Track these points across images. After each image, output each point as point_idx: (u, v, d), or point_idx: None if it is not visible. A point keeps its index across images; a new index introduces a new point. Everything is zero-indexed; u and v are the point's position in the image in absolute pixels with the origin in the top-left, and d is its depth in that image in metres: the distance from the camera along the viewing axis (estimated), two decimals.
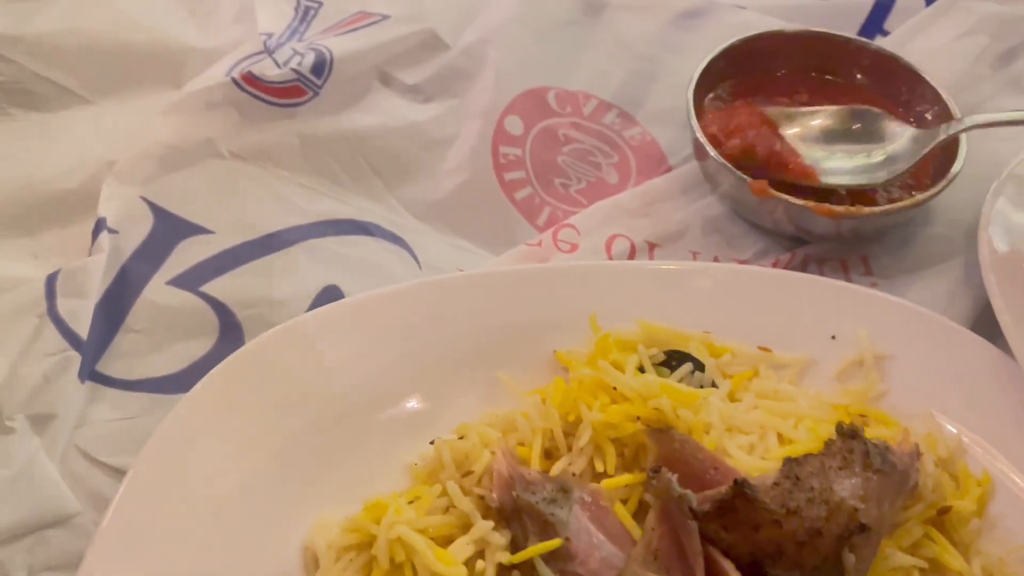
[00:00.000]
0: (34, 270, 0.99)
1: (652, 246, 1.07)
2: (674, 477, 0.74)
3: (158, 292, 0.98)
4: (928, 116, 1.12)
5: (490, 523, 0.74)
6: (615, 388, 0.84)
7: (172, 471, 0.81)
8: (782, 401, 0.88)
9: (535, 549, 0.71)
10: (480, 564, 0.72)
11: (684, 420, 0.80)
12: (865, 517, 0.73)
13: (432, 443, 0.84)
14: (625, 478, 0.79)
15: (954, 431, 0.88)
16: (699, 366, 0.89)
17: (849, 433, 0.79)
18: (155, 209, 1.04)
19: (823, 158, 1.05)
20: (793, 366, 0.93)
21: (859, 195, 1.04)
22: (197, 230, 1.04)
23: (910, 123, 1.09)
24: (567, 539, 0.72)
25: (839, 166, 1.05)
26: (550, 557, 0.72)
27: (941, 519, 0.81)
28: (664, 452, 0.78)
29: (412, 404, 0.90)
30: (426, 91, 1.16)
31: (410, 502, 0.79)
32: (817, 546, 0.71)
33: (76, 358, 0.91)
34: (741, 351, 0.93)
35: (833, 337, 0.94)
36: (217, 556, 0.78)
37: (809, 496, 0.72)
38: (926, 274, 1.04)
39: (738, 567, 0.71)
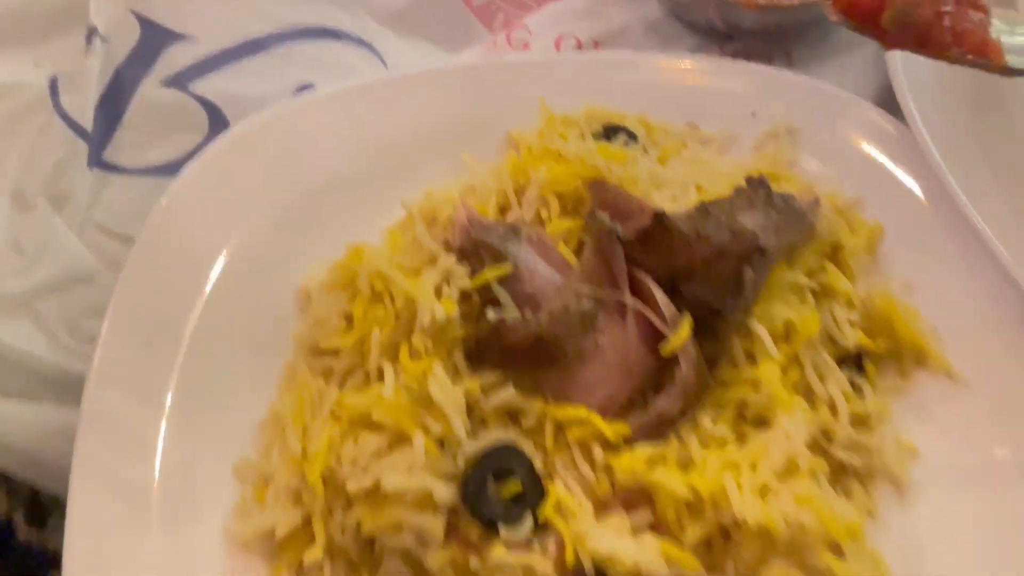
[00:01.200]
0: (36, 76, 1.09)
1: (596, 44, 1.19)
2: (606, 215, 0.88)
3: (151, 92, 1.09)
4: None
5: (452, 257, 0.88)
6: (559, 153, 0.97)
7: (176, 235, 0.94)
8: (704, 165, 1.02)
9: (489, 273, 0.86)
10: (446, 290, 0.86)
11: (616, 174, 0.94)
12: (763, 243, 0.87)
13: (404, 205, 0.98)
14: (567, 222, 0.93)
15: (854, 190, 1.02)
16: (632, 136, 1.02)
17: (757, 181, 0.93)
18: (141, 19, 1.14)
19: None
20: (717, 140, 1.07)
21: None
22: (181, 38, 1.14)
23: None
24: (516, 266, 0.87)
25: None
26: (502, 280, 0.86)
27: (835, 256, 0.96)
28: (599, 200, 0.92)
29: (385, 184, 1.03)
30: None
31: None
32: (722, 264, 0.85)
33: (83, 148, 1.03)
34: (671, 128, 1.06)
35: (753, 114, 1.07)
36: (223, 298, 0.92)
37: (717, 225, 0.86)
38: (841, 59, 1.17)
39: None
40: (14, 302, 0.94)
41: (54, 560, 0.86)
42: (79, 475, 0.79)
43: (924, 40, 0.74)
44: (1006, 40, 0.72)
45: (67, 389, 0.90)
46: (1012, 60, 0.72)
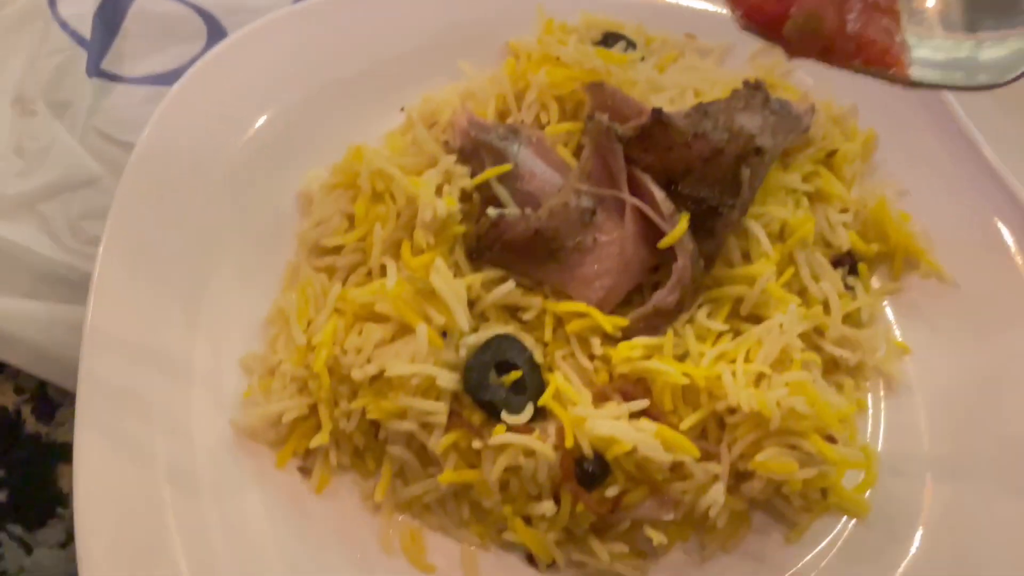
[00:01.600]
0: None
1: None
2: (605, 117, 0.89)
3: (148, 1, 1.09)
4: None
5: (452, 157, 0.89)
6: (558, 58, 0.97)
7: (177, 139, 0.94)
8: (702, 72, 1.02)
9: (490, 172, 0.87)
10: (447, 189, 0.87)
11: (615, 77, 0.94)
12: (760, 142, 0.88)
13: (402, 110, 0.98)
14: (566, 125, 0.93)
15: (851, 101, 1.03)
16: (631, 44, 1.03)
17: (754, 85, 0.93)
18: None
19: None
20: (715, 50, 1.07)
21: None
22: None
23: None
24: (515, 165, 0.88)
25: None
26: (502, 179, 0.87)
27: (830, 161, 0.98)
28: (598, 102, 0.93)
29: (384, 89, 1.03)
30: None
31: None
32: (719, 163, 0.86)
33: (82, 55, 1.03)
34: (670, 38, 1.07)
35: None
36: (225, 204, 0.93)
37: (714, 125, 0.87)
38: None
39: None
40: (17, 203, 0.94)
41: (62, 451, 0.88)
42: (85, 382, 0.80)
43: (828, 50, 0.69)
44: (915, 53, 0.67)
45: (71, 287, 0.91)
46: (916, 73, 0.67)
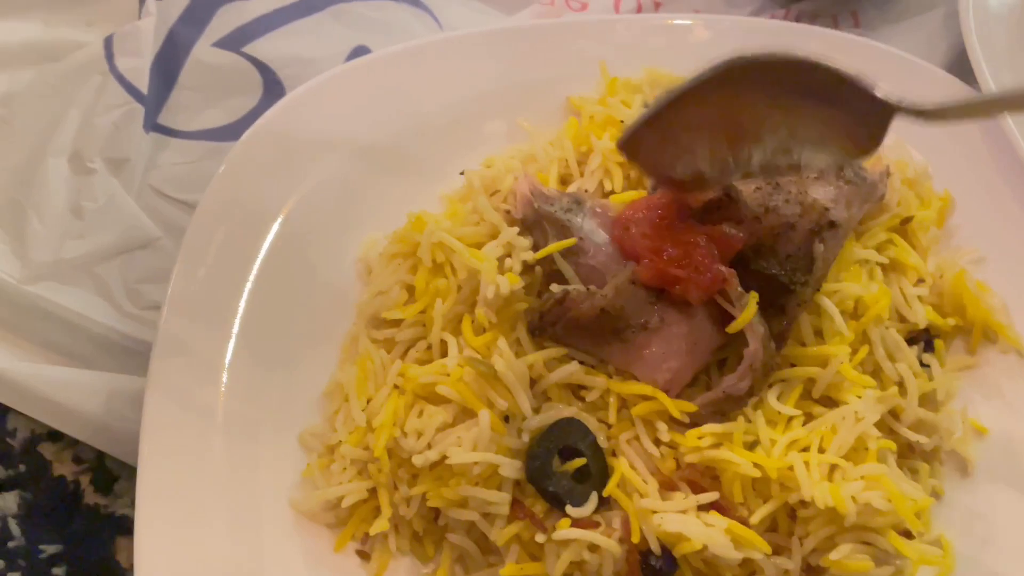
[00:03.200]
0: (91, 35, 1.08)
1: (657, 5, 1.15)
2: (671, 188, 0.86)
3: (205, 53, 1.08)
4: None
5: (515, 229, 0.86)
6: (622, 121, 0.95)
7: (234, 203, 0.93)
8: None
9: (554, 247, 0.84)
10: (508, 262, 0.85)
11: None
12: (834, 216, 0.85)
13: (462, 174, 0.96)
14: (630, 193, 0.91)
15: (922, 158, 0.99)
16: None
17: None
18: None
19: None
20: None
21: None
22: None
23: None
24: (580, 238, 0.85)
25: None
26: (566, 253, 0.84)
27: (904, 228, 0.94)
28: None
29: (442, 148, 1.01)
30: None
31: None
32: (791, 238, 0.83)
33: (139, 110, 1.02)
34: None
35: None
36: (285, 268, 0.91)
37: (786, 198, 0.84)
38: (909, 24, 1.13)
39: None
40: (75, 266, 0.94)
41: (121, 524, 0.88)
42: (147, 443, 0.80)
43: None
44: None
45: (131, 356, 0.91)
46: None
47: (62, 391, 0.87)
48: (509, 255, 0.86)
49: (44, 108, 1.01)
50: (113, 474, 0.90)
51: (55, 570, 0.85)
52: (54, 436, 0.91)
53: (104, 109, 1.02)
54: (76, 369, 0.89)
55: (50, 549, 0.86)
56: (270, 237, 0.93)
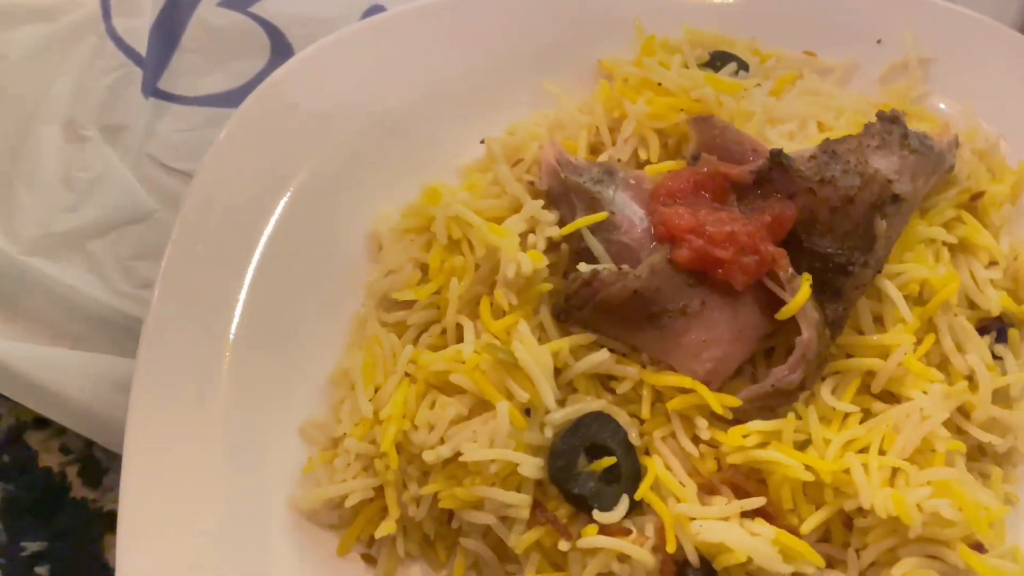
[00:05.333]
0: None
1: None
2: (713, 159, 0.78)
3: (210, 13, 1.01)
4: None
5: (540, 202, 0.78)
6: (659, 84, 0.86)
7: (236, 173, 0.86)
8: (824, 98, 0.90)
9: (583, 221, 0.76)
10: (532, 238, 0.77)
11: (726, 108, 0.83)
12: (898, 189, 0.76)
13: (482, 142, 0.88)
14: (668, 164, 0.82)
15: (994, 128, 0.90)
16: (743, 66, 0.90)
17: (889, 118, 0.81)
18: None
19: None
20: (837, 70, 0.94)
21: None
22: None
23: None
24: (612, 212, 0.77)
25: None
26: (596, 228, 0.76)
27: (974, 204, 0.84)
28: (705, 139, 0.81)
29: (461, 114, 0.93)
30: None
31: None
32: (849, 213, 0.74)
33: (138, 73, 0.95)
34: (786, 55, 0.94)
35: (879, 41, 0.95)
36: (288, 246, 0.84)
37: (844, 168, 0.75)
38: None
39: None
40: (65, 241, 0.88)
41: (109, 520, 0.81)
42: (133, 433, 0.73)
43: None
44: None
45: (121, 332, 0.84)
46: None
47: (48, 373, 0.81)
48: (532, 231, 0.78)
49: (35, 71, 0.95)
50: (102, 466, 0.83)
51: (38, 569, 0.79)
52: (40, 423, 0.85)
53: (99, 72, 0.95)
54: (63, 350, 0.83)
55: (33, 546, 0.80)
56: (275, 211, 0.85)
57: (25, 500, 0.81)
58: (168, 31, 0.99)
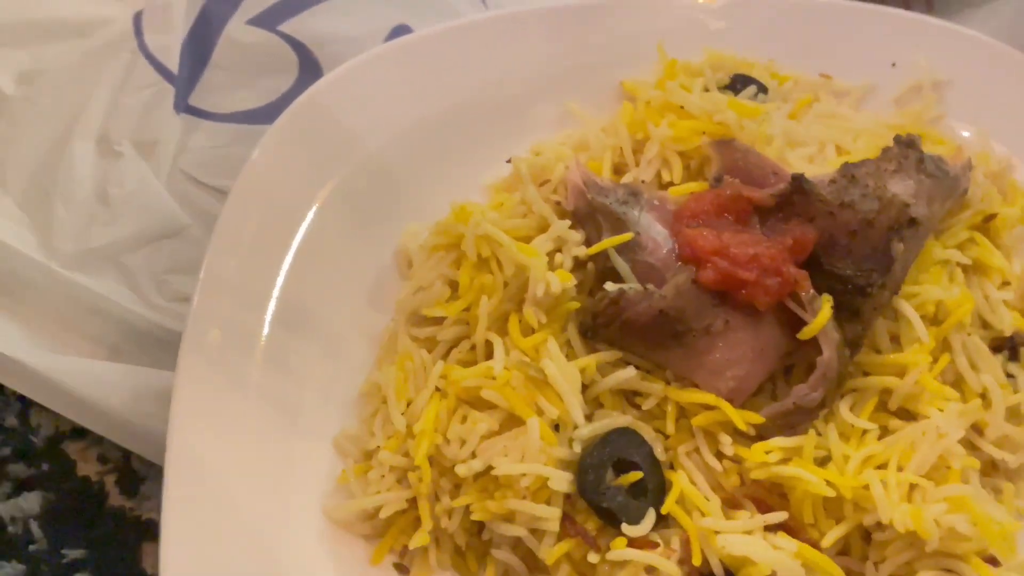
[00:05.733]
0: (120, 10, 1.03)
1: None
2: (735, 182, 0.80)
3: (239, 31, 1.02)
4: None
5: (567, 222, 0.80)
6: (682, 107, 0.88)
7: (268, 190, 0.88)
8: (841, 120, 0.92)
9: (610, 241, 0.78)
10: (559, 257, 0.79)
11: (747, 132, 0.85)
12: (915, 213, 0.78)
13: (509, 161, 0.90)
14: (691, 185, 0.84)
15: (1006, 150, 0.92)
16: (763, 89, 0.93)
17: (906, 142, 0.83)
18: None
19: None
20: (853, 93, 0.97)
21: None
22: None
23: None
24: (637, 233, 0.79)
25: None
26: (622, 249, 0.78)
27: (987, 226, 0.87)
28: (727, 162, 0.83)
29: (487, 134, 0.95)
30: None
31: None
32: (868, 236, 0.77)
33: (169, 90, 0.97)
34: (803, 78, 0.96)
35: (893, 64, 0.97)
36: (321, 260, 0.86)
37: (864, 192, 0.78)
38: (987, 6, 1.05)
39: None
40: (100, 256, 0.90)
41: (147, 529, 0.84)
42: (175, 444, 0.75)
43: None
44: None
45: (157, 346, 0.86)
46: None
47: (86, 384, 0.83)
48: (559, 250, 0.80)
49: (70, 87, 0.96)
50: (139, 475, 0.85)
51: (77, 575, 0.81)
52: (78, 433, 0.87)
53: (133, 89, 0.97)
54: (101, 362, 0.84)
55: (73, 554, 0.82)
56: (305, 226, 0.87)
57: (64, 508, 0.83)
58: (199, 48, 1.01)
